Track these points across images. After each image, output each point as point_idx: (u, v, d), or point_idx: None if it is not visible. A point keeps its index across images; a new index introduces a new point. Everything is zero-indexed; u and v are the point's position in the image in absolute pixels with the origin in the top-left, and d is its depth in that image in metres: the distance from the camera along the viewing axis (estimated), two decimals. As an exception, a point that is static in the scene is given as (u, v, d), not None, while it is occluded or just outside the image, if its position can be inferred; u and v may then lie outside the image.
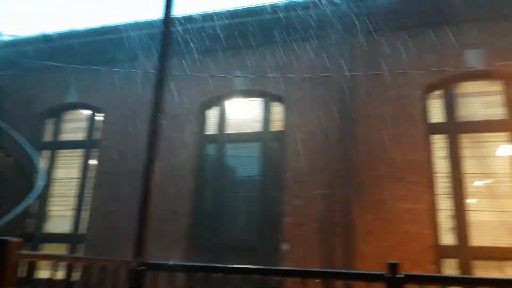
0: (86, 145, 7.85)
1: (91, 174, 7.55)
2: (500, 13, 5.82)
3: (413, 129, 5.85)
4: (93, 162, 7.66)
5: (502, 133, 5.74)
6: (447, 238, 5.56)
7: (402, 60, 6.03)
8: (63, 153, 8.01)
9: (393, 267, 2.84)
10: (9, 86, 8.35)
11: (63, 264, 3.60)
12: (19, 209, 4.01)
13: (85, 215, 7.34)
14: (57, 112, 8.27)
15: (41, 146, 7.89)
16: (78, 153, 7.87)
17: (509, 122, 5.72)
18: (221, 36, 6.91)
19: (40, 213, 7.53)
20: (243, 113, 7.12)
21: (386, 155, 5.81)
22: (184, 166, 6.79)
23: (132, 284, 3.37)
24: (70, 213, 7.51)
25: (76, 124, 8.20)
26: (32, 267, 3.17)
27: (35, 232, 7.24)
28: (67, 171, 7.84)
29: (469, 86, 6.08)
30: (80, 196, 7.52)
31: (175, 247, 6.33)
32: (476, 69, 5.86)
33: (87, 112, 8.13)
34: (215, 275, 3.22)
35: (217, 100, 7.13)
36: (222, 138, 7.00)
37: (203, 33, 6.92)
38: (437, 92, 6.12)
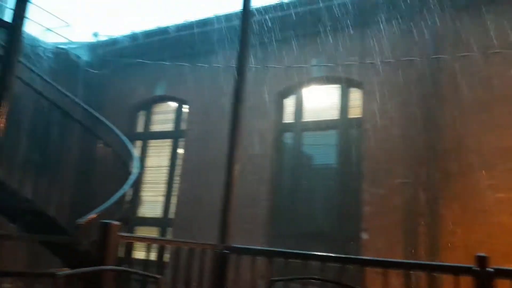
0: (174, 135, 8.39)
1: (179, 162, 8.08)
2: None
3: (507, 113, 5.37)
4: (180, 151, 8.18)
5: None
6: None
7: (494, 37, 5.52)
8: (154, 143, 8.67)
9: (482, 260, 2.71)
10: (105, 83, 9.19)
11: (155, 246, 3.95)
12: (117, 195, 4.45)
13: (173, 200, 7.89)
14: (148, 105, 8.94)
15: (134, 136, 8.60)
16: (167, 142, 8.46)
17: None
18: (297, 23, 6.89)
19: (134, 199, 8.24)
20: (320, 100, 7.07)
21: (476, 141, 5.40)
22: (263, 154, 6.94)
23: (217, 266, 3.60)
24: (160, 199, 8.14)
25: (164, 115, 8.80)
26: (129, 248, 3.52)
27: (130, 216, 7.96)
28: (158, 159, 8.48)
29: None
30: (169, 183, 8.09)
31: (255, 232, 6.55)
32: None
33: (174, 104, 8.68)
34: (294, 261, 3.32)
35: (294, 89, 7.16)
36: (299, 126, 7.03)
37: (278, 22, 6.96)
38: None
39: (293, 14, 6.85)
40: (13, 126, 3.82)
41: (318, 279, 3.00)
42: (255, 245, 3.50)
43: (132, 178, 4.80)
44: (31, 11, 2.95)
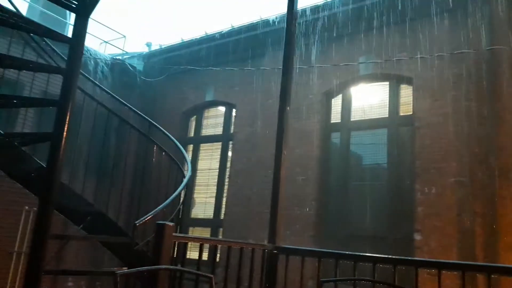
0: (224, 139, 8.60)
1: (228, 164, 8.26)
2: None
3: None
4: (230, 153, 8.36)
5: None
6: None
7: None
8: (204, 147, 8.94)
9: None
10: (159, 90, 9.60)
11: (206, 246, 4.06)
12: (171, 197, 4.64)
13: (224, 202, 8.08)
14: (198, 110, 9.23)
15: (186, 141, 8.92)
16: (217, 146, 8.68)
17: None
18: (343, 22, 6.83)
19: (187, 200, 8.53)
20: (368, 98, 6.94)
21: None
22: (310, 155, 6.93)
23: (267, 266, 3.66)
24: (211, 200, 8.36)
25: (214, 120, 9.05)
26: (184, 248, 3.65)
27: (183, 217, 8.24)
28: (208, 162, 8.73)
29: None
30: (220, 185, 8.30)
31: (303, 233, 6.55)
32: None
33: (223, 109, 8.90)
34: (344, 262, 3.29)
35: (341, 88, 7.08)
36: (348, 126, 6.95)
37: (324, 22, 6.94)
38: None
39: (339, 12, 6.80)
40: (75, 133, 4.12)
41: (369, 280, 2.96)
42: (303, 246, 3.51)
43: (185, 181, 4.97)
44: (89, 25, 3.18)
